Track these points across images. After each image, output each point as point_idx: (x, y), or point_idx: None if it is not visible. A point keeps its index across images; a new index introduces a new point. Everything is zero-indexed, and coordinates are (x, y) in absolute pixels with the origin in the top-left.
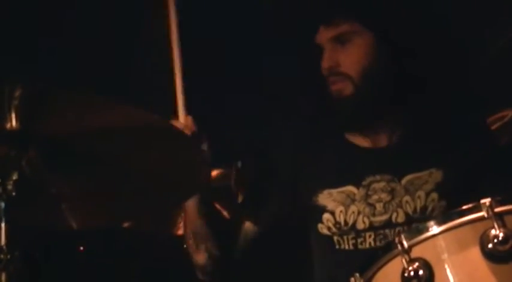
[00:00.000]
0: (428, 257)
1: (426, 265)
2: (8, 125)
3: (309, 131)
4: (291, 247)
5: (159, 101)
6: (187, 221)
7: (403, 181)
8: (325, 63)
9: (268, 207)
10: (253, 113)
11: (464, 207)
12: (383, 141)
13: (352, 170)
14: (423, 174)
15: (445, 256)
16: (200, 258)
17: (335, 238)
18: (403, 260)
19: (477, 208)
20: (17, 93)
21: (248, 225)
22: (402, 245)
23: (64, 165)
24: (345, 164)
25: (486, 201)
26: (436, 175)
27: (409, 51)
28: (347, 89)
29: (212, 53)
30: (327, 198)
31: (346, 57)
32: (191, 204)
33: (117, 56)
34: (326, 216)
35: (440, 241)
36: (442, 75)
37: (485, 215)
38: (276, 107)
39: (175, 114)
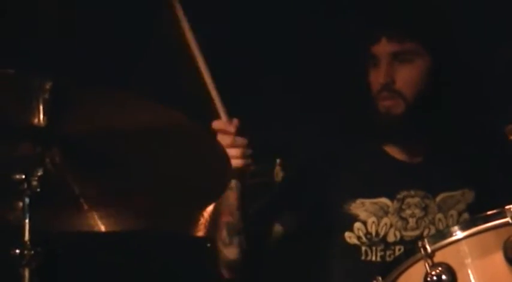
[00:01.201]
0: (451, 261)
1: (449, 270)
2: (35, 121)
3: (346, 138)
4: (310, 254)
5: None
6: (225, 211)
7: (437, 199)
8: (382, 78)
9: (296, 210)
10: (288, 115)
11: (489, 212)
12: (419, 157)
13: (387, 182)
14: (456, 193)
15: (468, 261)
16: (231, 252)
17: (363, 248)
18: (426, 265)
19: (501, 214)
20: (47, 87)
21: (277, 226)
22: (425, 249)
23: (88, 165)
24: (381, 175)
25: (511, 207)
26: (468, 195)
27: (456, 75)
28: (398, 107)
29: (250, 53)
30: (360, 207)
31: (404, 76)
32: (232, 195)
33: (134, 56)
34: (357, 225)
35: (464, 246)
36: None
37: (510, 221)
38: (313, 110)
39: (215, 115)
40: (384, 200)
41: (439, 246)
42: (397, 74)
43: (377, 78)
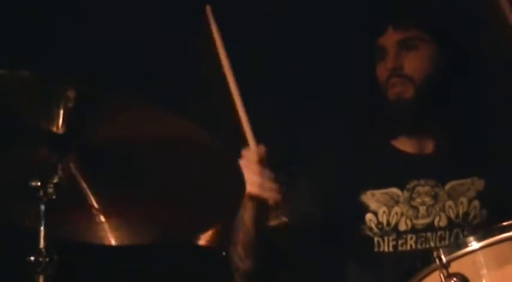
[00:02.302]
0: (466, 272)
1: (464, 281)
2: (54, 128)
3: (355, 132)
4: (325, 248)
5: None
6: (240, 229)
7: (447, 187)
8: (390, 64)
9: (304, 204)
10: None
11: (505, 223)
12: (429, 147)
13: (397, 173)
14: (466, 181)
15: (483, 272)
16: (247, 265)
17: (376, 239)
18: (441, 275)
19: None
20: (71, 95)
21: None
22: (441, 259)
23: (104, 174)
24: (390, 167)
25: None
26: (478, 183)
27: (463, 62)
28: (408, 92)
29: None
30: (370, 198)
31: (411, 61)
32: (247, 215)
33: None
34: (368, 216)
35: (480, 257)
36: (488, 85)
37: None
38: (323, 106)
39: (243, 142)
40: (394, 190)
41: (455, 256)
42: (405, 60)
43: (385, 67)
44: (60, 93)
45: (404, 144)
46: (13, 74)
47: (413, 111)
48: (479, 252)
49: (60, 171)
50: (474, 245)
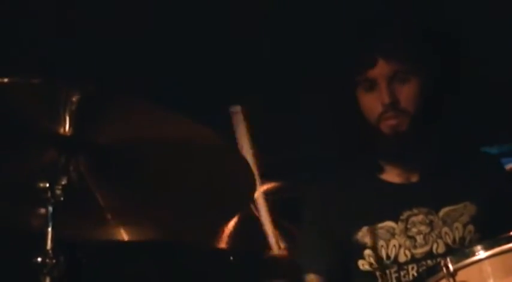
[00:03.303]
0: (473, 281)
1: None
2: (61, 130)
3: (344, 171)
4: None
5: None
6: None
7: (441, 213)
8: (386, 99)
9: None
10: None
11: None
12: (414, 176)
13: (389, 205)
14: (458, 207)
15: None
16: None
17: (377, 273)
18: None
19: None
20: (74, 98)
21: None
22: (448, 268)
23: (112, 175)
24: (381, 200)
25: None
26: (470, 208)
27: (450, 90)
28: (404, 124)
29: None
30: (366, 235)
31: (405, 94)
32: None
33: None
34: (367, 252)
35: (487, 266)
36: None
37: None
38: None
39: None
40: (389, 223)
41: (462, 265)
42: (398, 93)
43: (376, 100)
44: (64, 97)
45: (391, 176)
46: (22, 81)
47: (409, 143)
48: (486, 262)
49: (69, 173)
50: (481, 254)
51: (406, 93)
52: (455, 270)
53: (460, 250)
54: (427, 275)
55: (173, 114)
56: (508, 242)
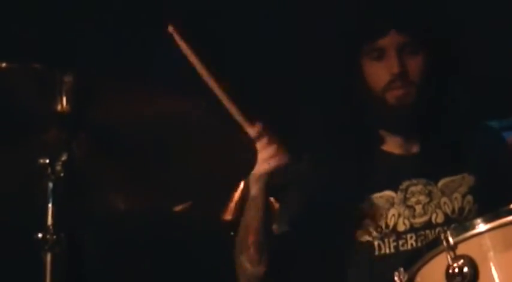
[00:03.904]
0: (473, 254)
1: (471, 263)
2: (59, 108)
3: (346, 141)
4: (326, 257)
5: None
6: (251, 230)
7: (439, 184)
8: (396, 68)
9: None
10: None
11: None
12: (415, 148)
13: (388, 176)
14: (457, 178)
15: (490, 254)
16: (259, 270)
17: (376, 243)
18: (448, 257)
19: None
20: (68, 80)
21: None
22: (448, 241)
23: (111, 150)
24: (381, 170)
25: None
26: (468, 179)
27: (453, 65)
28: (411, 96)
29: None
30: (366, 204)
31: (414, 66)
32: (255, 215)
33: None
34: (366, 221)
35: (487, 239)
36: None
37: None
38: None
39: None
40: (388, 193)
41: (462, 238)
42: (409, 63)
43: (384, 69)
44: (59, 80)
45: (391, 146)
46: (22, 67)
47: (412, 114)
48: (486, 235)
49: (69, 149)
50: (481, 227)
51: (415, 65)
52: (456, 244)
53: (460, 223)
54: (427, 249)
55: (168, 90)
56: (508, 215)
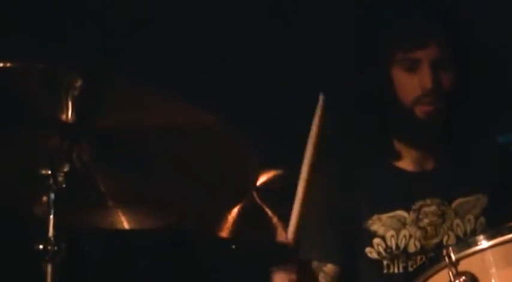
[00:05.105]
0: (475, 271)
1: (473, 279)
2: (63, 117)
3: (359, 155)
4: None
5: None
6: None
7: (453, 204)
8: (429, 83)
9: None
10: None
11: None
12: (429, 164)
13: (401, 194)
14: (471, 198)
15: (492, 271)
16: None
17: (385, 262)
18: (450, 273)
19: None
20: (77, 84)
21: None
22: (450, 257)
23: (115, 162)
24: (394, 189)
25: None
26: (482, 201)
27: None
28: (439, 112)
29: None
30: (377, 223)
31: (446, 82)
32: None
33: None
34: (376, 241)
35: (489, 256)
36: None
37: None
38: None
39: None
40: (401, 213)
41: (464, 255)
42: (439, 79)
43: (416, 82)
44: (67, 83)
45: (405, 163)
46: (25, 66)
47: (439, 131)
48: (488, 251)
49: (71, 160)
50: (484, 243)
51: (447, 80)
52: (458, 260)
53: (462, 240)
54: (429, 264)
55: (174, 100)
56: (510, 232)
